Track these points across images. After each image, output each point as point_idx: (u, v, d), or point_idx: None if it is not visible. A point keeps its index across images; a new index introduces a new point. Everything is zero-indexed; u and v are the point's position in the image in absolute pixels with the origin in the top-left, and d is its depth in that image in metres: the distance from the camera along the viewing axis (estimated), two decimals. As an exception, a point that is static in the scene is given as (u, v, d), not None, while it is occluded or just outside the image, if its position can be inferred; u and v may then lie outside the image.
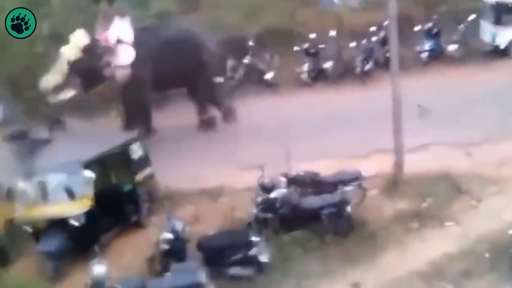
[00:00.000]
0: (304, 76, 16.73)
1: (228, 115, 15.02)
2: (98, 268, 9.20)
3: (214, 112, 15.11)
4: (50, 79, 13.58)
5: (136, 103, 14.27)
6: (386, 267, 10.09)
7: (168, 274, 9.51)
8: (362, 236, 10.66)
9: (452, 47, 16.67)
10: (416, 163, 11.90)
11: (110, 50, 13.78)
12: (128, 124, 14.18)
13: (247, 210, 11.06)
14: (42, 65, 15.07)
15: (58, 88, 13.57)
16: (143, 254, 10.39)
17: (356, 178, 11.46)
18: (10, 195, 11.53)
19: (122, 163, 11.76)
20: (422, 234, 10.67)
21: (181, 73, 14.24)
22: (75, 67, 13.53)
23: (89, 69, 13.58)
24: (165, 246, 10.10)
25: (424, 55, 16.66)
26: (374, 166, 11.87)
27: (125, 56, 13.86)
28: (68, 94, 13.60)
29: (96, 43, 13.76)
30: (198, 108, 14.95)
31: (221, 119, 15.04)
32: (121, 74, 13.93)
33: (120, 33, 13.98)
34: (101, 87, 14.54)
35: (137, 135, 12.64)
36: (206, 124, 14.85)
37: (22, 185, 10.90)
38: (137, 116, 14.37)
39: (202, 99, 14.90)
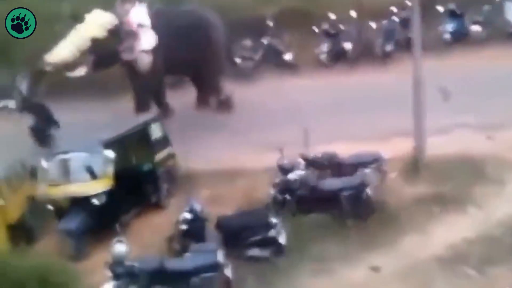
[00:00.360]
0: (323, 57, 16.53)
1: (226, 104, 14.77)
2: (119, 247, 9.24)
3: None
4: (63, 54, 13.23)
5: (154, 86, 14.14)
6: (406, 251, 9.98)
7: (187, 254, 9.53)
8: (382, 219, 10.53)
9: (476, 28, 16.33)
10: (437, 146, 11.73)
11: (133, 35, 13.60)
12: (142, 106, 14.02)
13: (265, 191, 11.02)
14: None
15: (72, 65, 13.30)
16: (162, 234, 10.40)
17: (376, 160, 11.34)
18: (33, 173, 11.62)
19: (142, 143, 11.74)
20: (443, 218, 10.53)
21: (191, 57, 14.09)
22: (95, 46, 13.35)
23: (107, 50, 13.41)
24: (184, 226, 10.11)
25: (447, 36, 16.35)
26: (394, 149, 11.73)
27: (148, 41, 13.68)
28: (81, 71, 13.39)
29: (121, 26, 13.56)
30: (211, 91, 14.76)
31: (216, 106, 14.80)
32: (144, 59, 13.73)
33: (140, 18, 13.79)
34: (115, 69, 14.34)
35: (156, 116, 12.61)
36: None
37: (44, 163, 10.95)
38: (152, 99, 14.25)
39: (212, 83, 14.74)
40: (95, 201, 10.63)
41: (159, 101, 14.55)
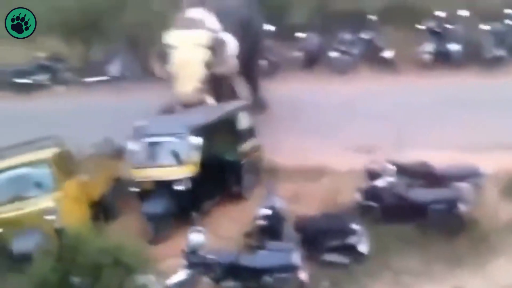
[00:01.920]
0: (426, 56, 15.69)
1: (260, 103, 14.00)
2: (196, 236, 9.18)
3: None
4: (189, 86, 12.31)
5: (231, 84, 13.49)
6: (495, 274, 9.27)
7: (262, 252, 9.32)
8: (472, 238, 9.82)
9: None
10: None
11: (223, 44, 12.69)
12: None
13: (350, 194, 10.58)
14: (159, 22, 15.24)
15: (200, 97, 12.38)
16: (240, 227, 10.22)
17: (473, 174, 10.59)
18: (120, 153, 11.78)
19: (229, 131, 11.59)
20: (542, 246, 9.68)
21: (245, 54, 13.30)
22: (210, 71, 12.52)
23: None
24: (262, 222, 9.90)
25: None
26: (495, 163, 10.90)
27: (233, 44, 12.82)
28: (209, 100, 12.46)
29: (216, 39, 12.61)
30: (254, 88, 14.10)
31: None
32: (233, 65, 12.94)
33: (214, 23, 12.79)
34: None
35: (245, 104, 12.38)
36: (262, 104, 14.01)
37: (131, 145, 11.00)
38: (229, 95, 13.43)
39: (257, 79, 14.22)
40: (180, 187, 10.60)
41: (254, 94, 14.02)
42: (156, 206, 10.53)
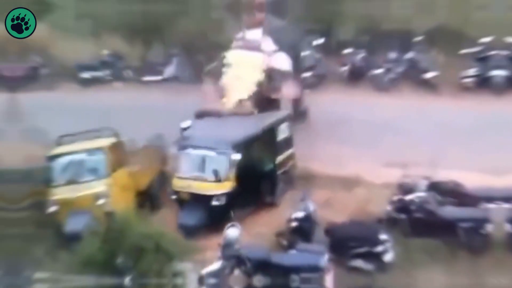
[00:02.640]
0: (468, 81, 15.87)
1: (302, 115, 14.40)
2: (232, 231, 9.68)
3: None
4: (236, 96, 12.84)
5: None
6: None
7: (293, 252, 9.82)
8: (498, 258, 10.09)
9: None
10: None
11: (287, 74, 13.24)
12: None
13: (381, 206, 10.96)
14: (217, 30, 15.95)
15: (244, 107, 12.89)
16: (270, 230, 10.68)
17: (504, 197, 10.81)
18: (167, 152, 12.30)
19: (268, 143, 11.86)
20: None
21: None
22: (258, 90, 12.98)
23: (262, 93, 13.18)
24: (295, 224, 10.39)
25: None
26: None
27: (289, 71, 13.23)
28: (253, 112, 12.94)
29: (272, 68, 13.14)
30: (296, 101, 14.49)
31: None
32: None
33: (271, 46, 13.28)
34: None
35: (287, 115, 12.74)
36: (302, 115, 14.45)
37: (174, 150, 11.52)
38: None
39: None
40: (216, 202, 11.01)
41: (296, 106, 14.45)
42: (190, 218, 10.91)
